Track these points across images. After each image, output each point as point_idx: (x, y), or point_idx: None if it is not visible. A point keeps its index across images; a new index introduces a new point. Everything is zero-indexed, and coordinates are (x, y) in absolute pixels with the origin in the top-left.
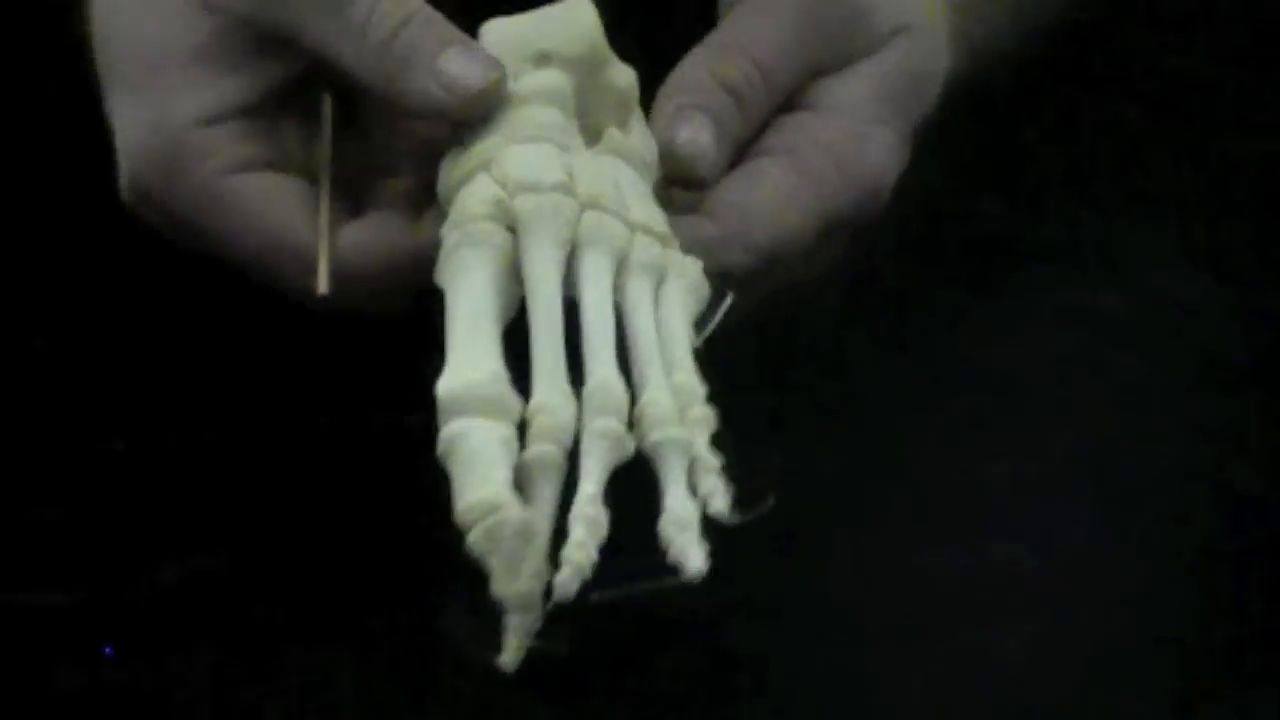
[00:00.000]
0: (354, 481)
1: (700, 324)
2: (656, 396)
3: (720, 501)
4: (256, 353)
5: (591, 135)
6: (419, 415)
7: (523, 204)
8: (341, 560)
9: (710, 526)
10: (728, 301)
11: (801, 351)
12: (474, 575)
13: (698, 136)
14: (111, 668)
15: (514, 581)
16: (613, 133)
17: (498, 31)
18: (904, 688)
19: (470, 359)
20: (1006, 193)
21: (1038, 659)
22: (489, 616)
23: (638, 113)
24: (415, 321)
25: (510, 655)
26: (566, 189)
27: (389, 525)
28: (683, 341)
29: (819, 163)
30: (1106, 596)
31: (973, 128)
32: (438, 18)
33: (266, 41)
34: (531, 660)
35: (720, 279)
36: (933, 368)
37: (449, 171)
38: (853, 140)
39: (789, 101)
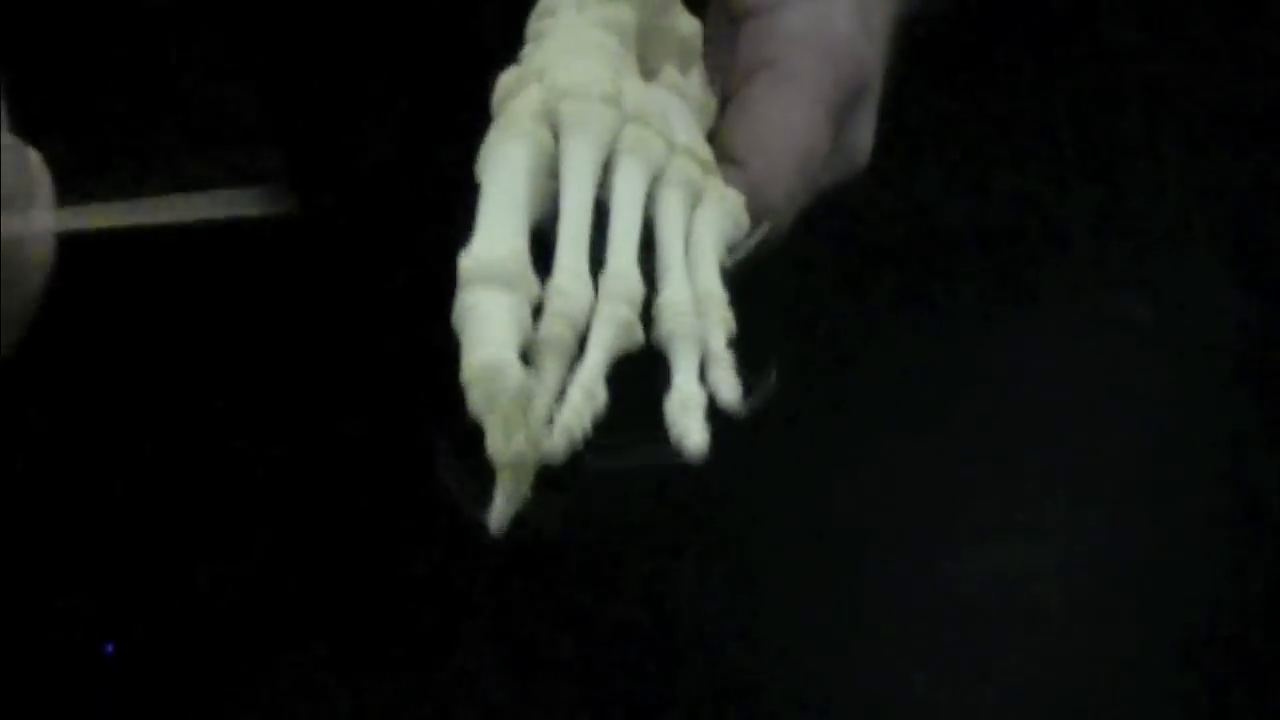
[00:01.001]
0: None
1: (734, 251)
2: (676, 292)
3: (729, 390)
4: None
5: (649, 78)
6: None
7: (567, 107)
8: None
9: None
10: (764, 228)
11: (821, 354)
12: (474, 436)
13: None
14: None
15: (508, 442)
16: (670, 70)
17: None
18: (919, 696)
19: (496, 236)
20: (1030, 200)
21: (1063, 664)
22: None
23: (699, 64)
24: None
25: (497, 517)
26: (613, 101)
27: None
28: (710, 254)
29: (797, 61)
30: (1134, 604)
31: (999, 140)
32: None
33: None
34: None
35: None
36: (954, 373)
37: (505, 87)
38: (815, 21)
39: (744, 7)
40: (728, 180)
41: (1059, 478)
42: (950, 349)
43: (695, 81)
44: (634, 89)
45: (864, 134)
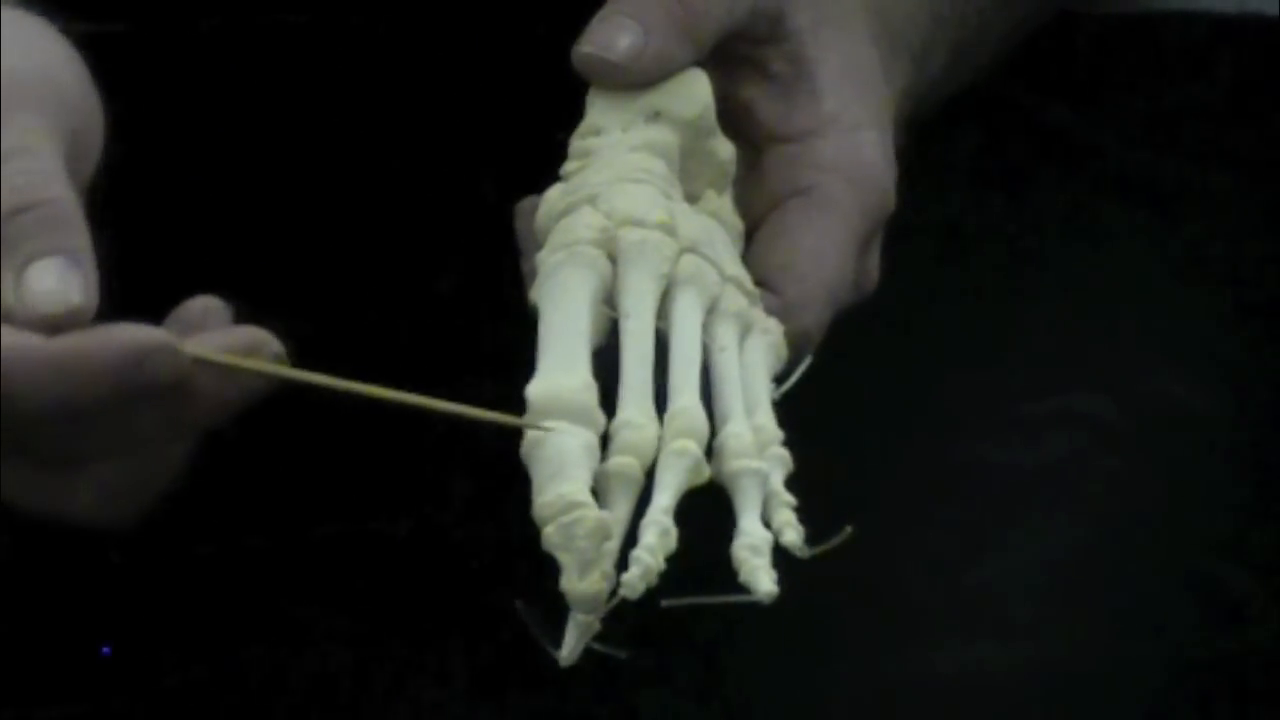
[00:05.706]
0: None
1: (778, 381)
2: (738, 430)
3: (794, 534)
4: None
5: (689, 199)
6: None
7: (627, 236)
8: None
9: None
10: (806, 363)
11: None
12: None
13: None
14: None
15: (582, 580)
16: (711, 195)
17: None
18: None
19: (562, 367)
20: (992, 297)
21: None
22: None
23: (730, 189)
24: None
25: (568, 651)
26: (669, 229)
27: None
28: (763, 388)
29: (831, 189)
30: (1096, 701)
31: (965, 230)
32: (66, 219)
33: None
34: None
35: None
36: (922, 472)
37: (552, 204)
38: (846, 150)
39: (775, 134)
40: (762, 304)
41: (1025, 577)
42: (913, 449)
43: (729, 205)
44: (684, 215)
45: (876, 260)
